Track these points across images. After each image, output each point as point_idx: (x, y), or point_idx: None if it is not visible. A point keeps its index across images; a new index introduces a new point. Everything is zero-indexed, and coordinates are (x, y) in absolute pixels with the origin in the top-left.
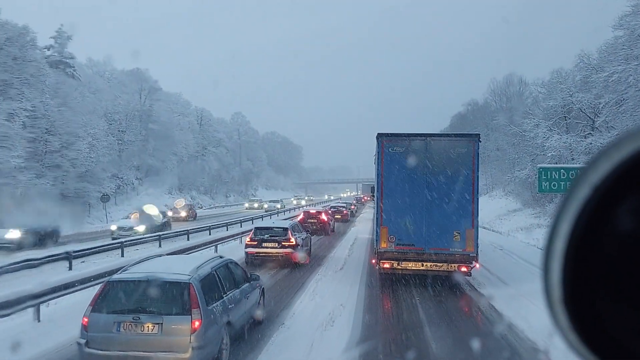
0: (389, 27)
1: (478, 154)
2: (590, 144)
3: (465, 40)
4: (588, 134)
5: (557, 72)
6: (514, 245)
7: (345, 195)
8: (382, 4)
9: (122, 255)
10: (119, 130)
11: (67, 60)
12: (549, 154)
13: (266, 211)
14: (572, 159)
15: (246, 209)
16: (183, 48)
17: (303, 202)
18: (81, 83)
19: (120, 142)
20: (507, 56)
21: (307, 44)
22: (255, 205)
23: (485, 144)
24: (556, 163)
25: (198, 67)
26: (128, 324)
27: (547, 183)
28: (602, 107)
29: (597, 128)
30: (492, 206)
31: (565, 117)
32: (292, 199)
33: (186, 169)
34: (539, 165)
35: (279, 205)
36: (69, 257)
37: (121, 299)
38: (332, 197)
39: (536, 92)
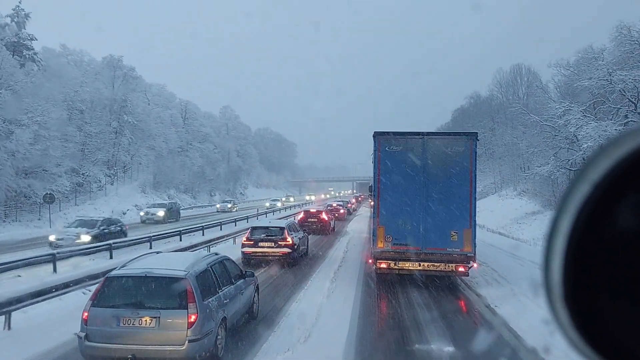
0: (388, 20)
1: (476, 152)
2: None
3: (466, 34)
4: (630, 120)
5: (588, 49)
6: None
7: (325, 196)
8: None
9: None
10: (84, 122)
11: (25, 42)
12: (584, 145)
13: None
14: None
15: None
16: (177, 45)
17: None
18: (42, 67)
19: (84, 134)
20: (511, 50)
21: (305, 38)
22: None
23: (491, 139)
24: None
25: (190, 64)
26: (127, 318)
27: None
28: None
29: (639, 113)
30: (505, 208)
31: (601, 100)
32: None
33: (163, 166)
34: None
35: None
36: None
37: (120, 294)
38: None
39: (560, 74)
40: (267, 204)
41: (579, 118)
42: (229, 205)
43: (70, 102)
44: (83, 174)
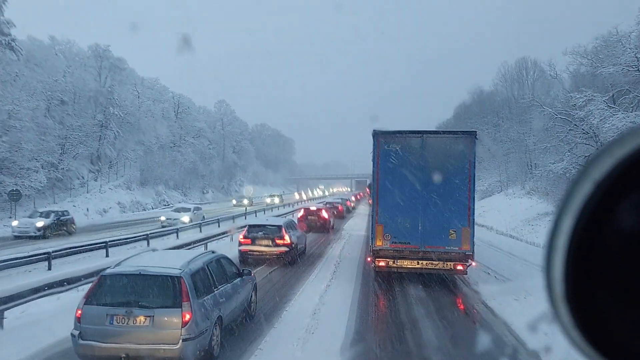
0: (388, 14)
1: (475, 151)
2: None
3: (468, 29)
4: None
5: (612, 32)
6: None
7: (299, 197)
8: None
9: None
10: (66, 113)
11: (2, 28)
12: (611, 139)
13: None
14: None
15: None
16: (175, 41)
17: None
18: (22, 55)
19: (65, 126)
20: (514, 45)
21: (304, 33)
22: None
23: (496, 135)
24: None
25: (188, 60)
26: (120, 316)
27: None
28: None
29: None
30: (513, 207)
31: (626, 89)
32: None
33: (152, 161)
34: None
35: None
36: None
37: (114, 292)
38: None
39: (576, 62)
40: (163, 218)
41: (603, 109)
42: (40, 224)
43: (50, 92)
44: (62, 169)
